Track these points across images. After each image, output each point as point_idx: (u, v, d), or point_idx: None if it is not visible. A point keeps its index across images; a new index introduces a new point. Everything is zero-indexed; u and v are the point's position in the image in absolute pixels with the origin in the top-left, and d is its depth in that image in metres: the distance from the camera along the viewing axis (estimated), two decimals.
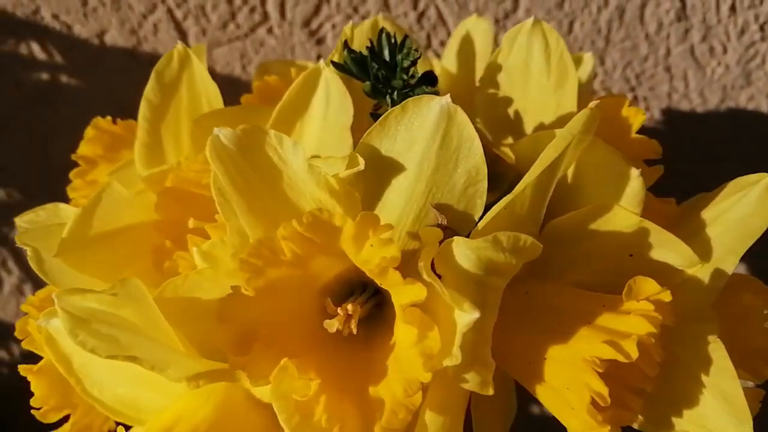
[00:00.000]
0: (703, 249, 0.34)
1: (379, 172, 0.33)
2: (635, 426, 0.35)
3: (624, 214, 0.33)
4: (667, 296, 0.30)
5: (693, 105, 0.76)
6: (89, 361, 0.34)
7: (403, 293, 0.27)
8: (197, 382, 0.28)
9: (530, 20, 0.39)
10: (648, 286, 0.30)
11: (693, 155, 0.76)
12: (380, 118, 0.32)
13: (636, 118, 0.38)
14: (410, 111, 0.32)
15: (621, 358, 0.28)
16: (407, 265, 0.29)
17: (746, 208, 0.34)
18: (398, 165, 0.33)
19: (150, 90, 0.38)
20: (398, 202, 0.32)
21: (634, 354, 0.28)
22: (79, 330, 0.28)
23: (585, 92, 0.46)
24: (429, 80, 0.36)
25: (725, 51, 0.73)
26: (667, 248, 0.34)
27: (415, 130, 0.32)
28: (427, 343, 0.27)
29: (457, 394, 0.30)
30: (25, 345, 0.38)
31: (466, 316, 0.26)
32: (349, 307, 0.30)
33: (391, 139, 0.33)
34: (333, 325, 0.29)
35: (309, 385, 0.28)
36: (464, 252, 0.28)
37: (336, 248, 0.29)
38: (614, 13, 0.69)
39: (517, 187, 0.30)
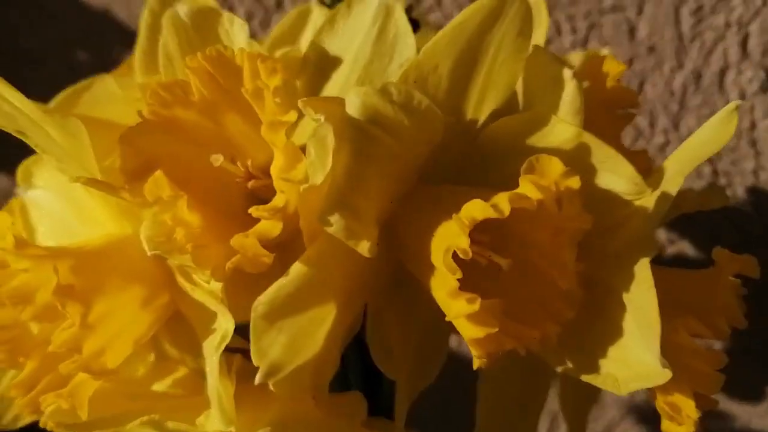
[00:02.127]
0: (653, 177, 0.31)
1: (322, 69, 0.34)
2: (559, 369, 0.30)
3: (562, 127, 0.31)
4: (575, 182, 0.27)
5: None
6: (53, 236, 0.37)
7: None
8: (82, 183, 0.29)
9: None
10: (553, 165, 0.27)
11: None
12: (329, 17, 0.34)
13: (613, 68, 0.37)
14: (354, 7, 0.33)
15: (492, 214, 0.25)
16: None
17: (705, 132, 0.30)
18: (338, 60, 0.34)
19: None
20: (332, 94, 0.33)
21: (506, 209, 0.25)
22: None
23: None
24: None
25: None
26: (612, 170, 0.31)
27: (356, 25, 0.33)
28: (294, 173, 0.27)
29: (332, 251, 0.28)
30: None
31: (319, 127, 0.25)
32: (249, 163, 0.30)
33: (337, 37, 0.34)
34: (218, 160, 0.29)
35: (180, 206, 0.28)
36: (351, 97, 0.28)
37: (242, 99, 0.30)
38: (689, 77, 0.67)
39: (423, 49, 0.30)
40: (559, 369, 0.30)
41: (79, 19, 0.68)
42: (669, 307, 0.30)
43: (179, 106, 0.30)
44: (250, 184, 0.30)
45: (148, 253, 0.27)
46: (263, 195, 0.31)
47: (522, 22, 0.31)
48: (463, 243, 0.25)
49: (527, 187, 0.26)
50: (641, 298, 0.28)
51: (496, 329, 0.26)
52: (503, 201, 0.26)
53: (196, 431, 0.28)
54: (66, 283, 0.27)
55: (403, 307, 0.32)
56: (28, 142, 0.29)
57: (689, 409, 0.30)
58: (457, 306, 0.26)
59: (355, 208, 0.27)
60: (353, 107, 0.28)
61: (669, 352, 0.30)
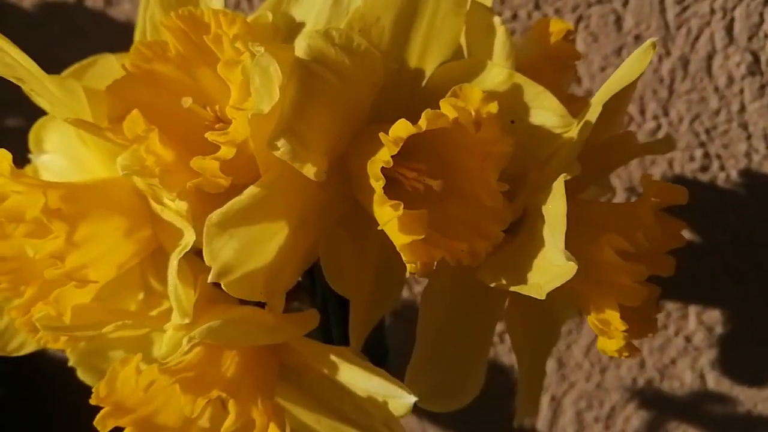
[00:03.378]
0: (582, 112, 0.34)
1: (289, 34, 0.39)
2: (493, 284, 0.33)
3: (497, 70, 0.34)
4: (493, 107, 0.30)
5: None
6: None
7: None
8: (70, 123, 0.33)
9: None
10: (474, 92, 0.30)
11: None
12: None
13: (556, 27, 0.40)
14: None
15: (413, 129, 0.29)
16: None
17: (623, 68, 0.33)
18: (302, 25, 0.38)
19: None
20: None
21: (424, 125, 0.29)
22: None
23: None
24: None
25: None
26: (541, 106, 0.34)
27: None
28: (244, 104, 0.31)
29: (284, 176, 0.32)
30: None
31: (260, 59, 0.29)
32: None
33: (299, 4, 0.38)
34: (187, 102, 0.34)
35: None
36: (298, 40, 0.32)
37: (212, 53, 0.34)
38: (677, 64, 0.69)
39: None
40: (493, 284, 0.33)
41: (106, 32, 0.75)
42: (597, 229, 0.33)
43: (158, 61, 0.35)
44: (218, 126, 0.34)
45: (120, 173, 0.31)
46: None
47: None
48: (386, 156, 0.29)
49: (445, 107, 0.30)
50: (553, 207, 0.30)
51: (422, 236, 0.30)
52: (422, 118, 0.29)
53: (158, 328, 0.31)
54: (54, 207, 0.31)
55: (359, 237, 0.35)
56: (24, 87, 0.34)
57: (616, 321, 0.32)
58: (384, 212, 0.29)
59: (299, 134, 0.31)
60: (300, 49, 0.32)
61: (595, 270, 0.33)
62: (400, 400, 0.32)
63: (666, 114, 0.71)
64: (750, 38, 0.68)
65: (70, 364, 0.40)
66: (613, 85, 0.33)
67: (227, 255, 0.30)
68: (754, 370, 0.76)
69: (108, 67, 0.44)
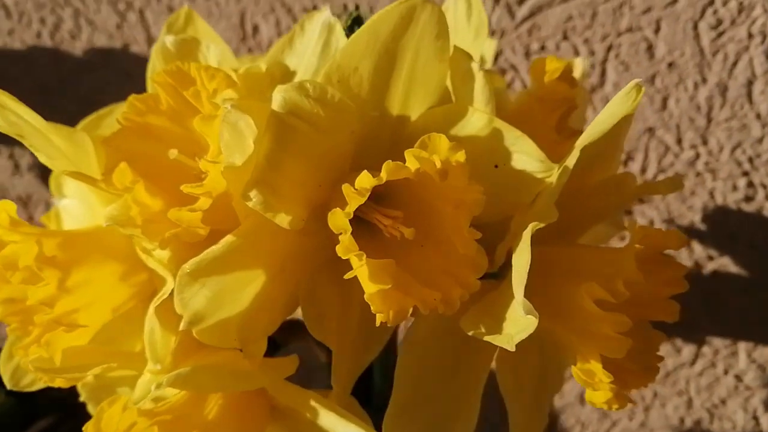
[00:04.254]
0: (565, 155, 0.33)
1: (282, 81, 0.40)
2: (470, 333, 0.32)
3: (478, 115, 0.34)
4: (461, 156, 0.30)
5: None
6: None
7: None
8: (67, 174, 0.35)
9: None
10: (441, 142, 0.30)
11: None
12: (288, 37, 0.40)
13: (551, 65, 0.39)
14: (305, 27, 0.39)
15: (374, 181, 0.29)
16: None
17: (607, 110, 0.32)
18: (294, 73, 0.39)
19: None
20: None
21: (385, 176, 0.29)
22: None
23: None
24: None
25: None
26: (521, 150, 0.34)
27: (307, 41, 0.39)
28: (219, 157, 0.32)
29: (260, 226, 0.32)
30: None
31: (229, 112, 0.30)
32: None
33: (294, 53, 0.40)
34: (173, 153, 0.35)
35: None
36: (274, 94, 0.33)
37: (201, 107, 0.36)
38: (714, 91, 0.67)
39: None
40: (471, 332, 0.32)
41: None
42: (579, 277, 0.32)
43: (152, 114, 0.36)
44: (203, 176, 0.35)
45: (104, 224, 0.32)
46: None
47: (438, 25, 0.34)
48: (349, 207, 0.29)
49: (408, 159, 0.30)
50: (517, 257, 0.30)
51: (388, 285, 0.29)
52: (383, 170, 0.29)
53: (136, 374, 0.32)
54: (50, 255, 0.33)
55: (342, 282, 0.36)
56: (24, 143, 0.36)
57: (600, 373, 0.31)
58: (353, 261, 0.30)
59: (272, 185, 0.32)
60: (276, 102, 0.33)
61: (577, 320, 0.32)
62: None
63: (705, 143, 0.68)
64: None
65: (81, 399, 0.42)
66: (594, 129, 0.32)
67: (198, 304, 0.31)
68: None
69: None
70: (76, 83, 0.79)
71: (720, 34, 0.65)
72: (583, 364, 0.32)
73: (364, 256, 0.29)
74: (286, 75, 0.40)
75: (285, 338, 0.43)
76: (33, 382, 0.40)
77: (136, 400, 0.31)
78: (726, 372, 0.73)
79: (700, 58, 0.66)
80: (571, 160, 0.31)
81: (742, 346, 0.72)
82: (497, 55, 0.70)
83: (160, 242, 0.32)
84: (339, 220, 0.30)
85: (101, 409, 0.33)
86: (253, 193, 0.31)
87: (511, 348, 0.29)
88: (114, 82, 0.79)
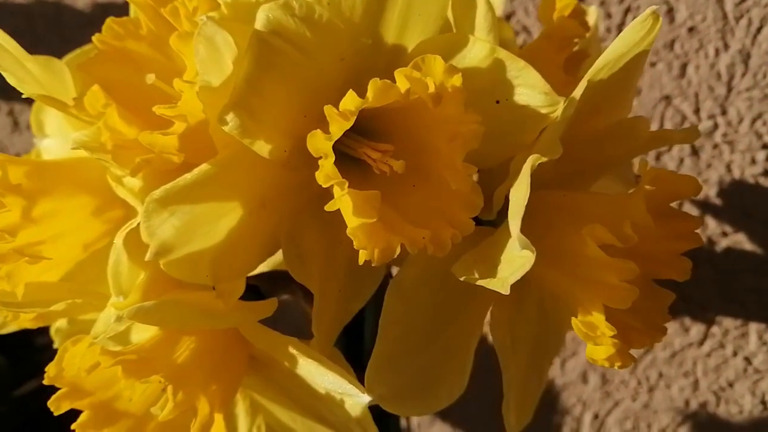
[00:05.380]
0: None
1: None
2: (462, 278, 0.30)
3: (480, 45, 0.32)
4: (457, 80, 0.28)
5: None
6: None
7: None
8: (35, 98, 0.33)
9: None
10: (436, 63, 0.28)
11: None
12: None
13: (561, 3, 0.36)
14: None
15: (360, 101, 0.26)
16: None
17: (619, 41, 0.30)
18: None
19: None
20: None
21: (371, 96, 0.26)
22: None
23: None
24: None
25: None
26: (525, 83, 0.31)
27: None
28: (195, 78, 0.29)
29: (239, 155, 0.30)
30: None
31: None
32: None
33: None
34: (151, 78, 0.32)
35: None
36: (258, 12, 0.30)
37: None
38: (737, 58, 0.63)
39: None
40: (463, 278, 0.29)
41: None
42: (583, 220, 0.29)
43: (131, 39, 0.34)
44: None
45: (70, 148, 0.30)
46: None
47: None
48: (332, 128, 0.27)
49: (399, 78, 0.27)
50: (516, 190, 0.27)
51: (373, 219, 0.27)
52: (369, 89, 0.27)
53: (100, 306, 0.30)
54: (15, 182, 0.31)
55: (327, 225, 0.33)
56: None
57: (602, 325, 0.28)
58: (334, 192, 0.27)
59: (251, 109, 0.29)
60: (259, 21, 0.30)
61: (580, 267, 0.29)
62: (355, 398, 0.29)
63: (724, 113, 0.65)
64: None
65: (55, 346, 0.40)
66: (604, 59, 0.29)
67: (166, 233, 0.28)
68: None
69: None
70: (80, 36, 0.77)
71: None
72: (584, 316, 0.29)
73: (347, 184, 0.27)
74: None
75: (271, 289, 0.40)
76: (3, 324, 0.38)
77: (96, 334, 0.29)
78: (735, 354, 0.70)
79: (722, 23, 0.63)
80: (578, 92, 0.29)
81: (753, 328, 0.69)
82: (509, 17, 0.67)
83: (131, 169, 0.30)
84: (319, 142, 0.27)
85: (64, 348, 0.31)
86: (229, 117, 0.29)
87: (505, 291, 0.27)
88: None
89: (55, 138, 0.42)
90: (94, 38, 0.34)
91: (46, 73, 0.36)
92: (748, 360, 0.69)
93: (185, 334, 0.32)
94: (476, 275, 0.29)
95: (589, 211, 0.30)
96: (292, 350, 0.31)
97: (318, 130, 0.28)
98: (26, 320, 0.34)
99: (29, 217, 0.31)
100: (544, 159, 0.28)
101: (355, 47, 0.32)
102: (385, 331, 0.31)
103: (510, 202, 0.28)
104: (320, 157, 0.28)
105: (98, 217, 0.34)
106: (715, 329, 0.69)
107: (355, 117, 0.27)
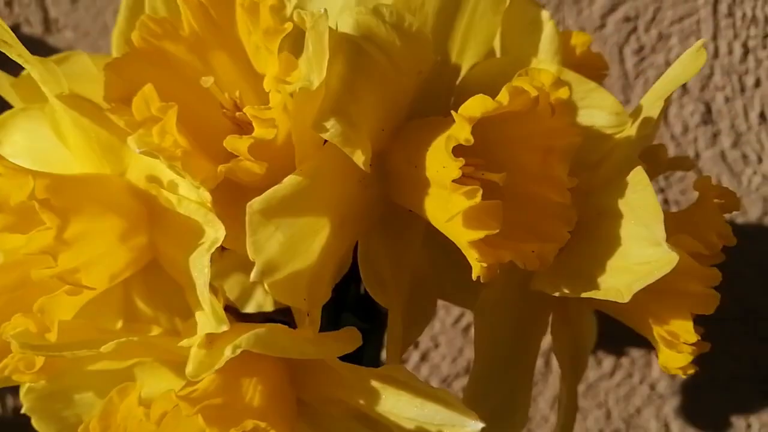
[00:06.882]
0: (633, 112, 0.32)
1: None
2: (557, 294, 0.29)
3: (544, 68, 0.32)
4: (564, 92, 0.28)
5: (732, 216, 0.73)
6: None
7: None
8: (63, 101, 0.28)
9: None
10: (544, 74, 0.28)
11: (739, 272, 0.71)
12: None
13: (580, 39, 0.39)
14: None
15: (492, 105, 0.25)
16: None
17: (676, 68, 0.32)
18: None
19: None
20: None
21: (505, 100, 0.26)
22: None
23: None
24: None
25: (760, 160, 0.71)
26: (593, 105, 0.32)
27: None
28: (289, 78, 0.27)
29: (326, 167, 0.27)
30: None
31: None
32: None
33: None
34: (209, 81, 0.29)
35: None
36: (344, 17, 0.28)
37: (231, 36, 0.30)
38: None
39: None
40: (556, 293, 0.29)
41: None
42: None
43: (168, 40, 0.30)
44: (238, 114, 0.30)
45: (137, 151, 0.25)
46: (249, 130, 0.30)
47: None
48: (465, 133, 0.25)
49: (523, 83, 0.27)
50: (640, 198, 0.28)
51: (496, 230, 0.26)
52: (502, 92, 0.26)
53: (178, 344, 0.25)
54: (41, 197, 0.25)
55: (392, 246, 0.31)
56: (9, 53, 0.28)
57: (687, 333, 0.29)
58: (453, 202, 0.25)
59: (350, 115, 0.27)
60: (347, 25, 0.28)
61: (660, 280, 0.30)
62: (462, 429, 0.27)
63: None
64: (702, 89, 0.71)
65: (24, 410, 0.32)
66: (669, 83, 0.31)
67: (273, 249, 0.24)
68: (717, 416, 0.76)
69: (80, 67, 0.39)
70: None
71: (642, 60, 0.70)
72: (665, 326, 0.30)
73: (479, 192, 0.25)
74: None
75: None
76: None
77: (193, 373, 0.24)
78: (641, 381, 0.75)
79: (624, 81, 0.70)
80: (653, 111, 0.30)
81: (655, 355, 0.75)
82: None
83: (203, 180, 0.26)
84: (446, 151, 0.25)
85: (111, 402, 0.25)
86: (330, 123, 0.26)
87: (625, 299, 0.27)
88: None
89: (18, 158, 0.35)
90: (131, 36, 0.29)
91: (49, 75, 0.31)
92: (652, 386, 0.75)
93: (243, 376, 0.28)
94: (567, 290, 0.29)
95: (669, 224, 0.31)
96: (376, 384, 0.28)
97: (448, 134, 0.26)
98: (25, 373, 0.27)
99: (62, 238, 0.25)
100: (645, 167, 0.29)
101: (432, 62, 0.31)
102: (480, 354, 0.29)
103: (636, 211, 0.28)
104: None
105: (124, 243, 0.28)
106: (623, 360, 0.74)
107: (476, 121, 0.26)
